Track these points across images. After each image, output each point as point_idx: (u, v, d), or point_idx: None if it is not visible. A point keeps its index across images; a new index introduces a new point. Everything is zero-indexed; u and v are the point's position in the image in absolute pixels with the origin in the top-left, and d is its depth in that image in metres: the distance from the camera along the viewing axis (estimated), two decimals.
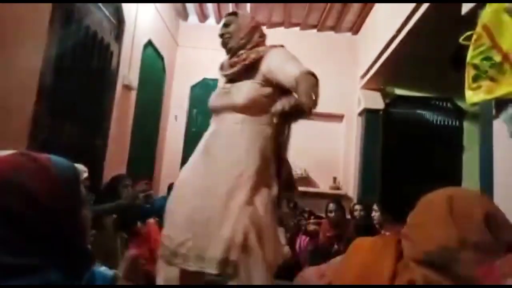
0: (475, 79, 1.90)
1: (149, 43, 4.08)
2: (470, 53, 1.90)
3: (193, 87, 5.11)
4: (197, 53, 5.05)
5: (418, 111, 5.14)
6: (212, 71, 5.06)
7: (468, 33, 1.90)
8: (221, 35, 1.71)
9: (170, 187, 4.13)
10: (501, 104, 1.89)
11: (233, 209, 1.38)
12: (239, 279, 1.30)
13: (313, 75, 1.53)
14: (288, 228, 3.74)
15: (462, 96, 1.95)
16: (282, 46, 1.67)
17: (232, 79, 1.64)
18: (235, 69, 1.60)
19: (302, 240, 3.71)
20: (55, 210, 0.58)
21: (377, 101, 4.73)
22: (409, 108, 5.13)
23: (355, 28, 5.07)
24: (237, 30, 1.65)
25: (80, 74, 2.79)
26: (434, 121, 5.14)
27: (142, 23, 3.81)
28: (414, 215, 0.77)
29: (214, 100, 1.67)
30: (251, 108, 1.55)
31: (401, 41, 3.45)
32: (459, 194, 0.71)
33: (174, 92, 5.06)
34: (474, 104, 1.94)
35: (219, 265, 1.31)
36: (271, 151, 1.58)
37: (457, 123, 5.07)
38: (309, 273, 0.94)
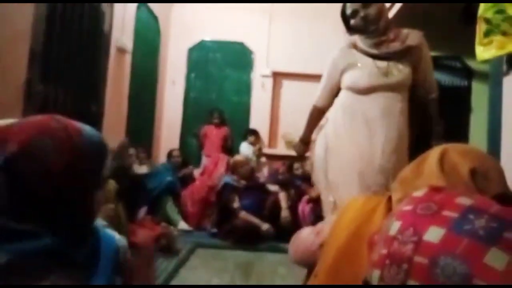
0: (487, 33, 1.83)
1: (143, 4, 3.90)
2: (482, 6, 1.82)
3: (190, 50, 4.96)
4: (194, 12, 4.85)
5: None
6: (210, 32, 4.91)
7: None
8: (364, 16, 1.76)
9: (170, 154, 4.08)
10: None
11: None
12: None
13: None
14: None
15: (471, 54, 1.87)
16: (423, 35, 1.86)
17: (384, 58, 1.76)
18: (392, 49, 1.74)
19: (305, 206, 3.71)
20: (68, 186, 0.57)
21: None
22: None
23: None
24: (380, 12, 1.78)
25: (72, 37, 2.69)
26: (442, 81, 5.01)
27: None
28: (406, 170, 0.77)
29: (368, 79, 1.75)
30: (406, 89, 1.77)
31: None
32: (451, 150, 0.72)
33: (170, 55, 4.90)
34: (485, 61, 1.87)
35: None
36: None
37: (466, 83, 4.96)
38: (306, 232, 0.98)
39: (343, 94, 1.83)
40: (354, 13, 1.78)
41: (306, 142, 2.00)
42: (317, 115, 1.95)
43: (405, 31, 1.79)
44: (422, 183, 0.68)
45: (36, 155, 0.55)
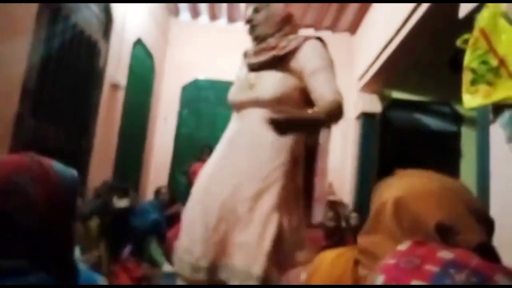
0: (473, 83, 1.87)
1: (139, 42, 3.99)
2: (467, 57, 1.87)
3: (184, 88, 5.02)
4: (189, 52, 4.95)
5: (416, 116, 5.07)
6: (204, 71, 5.00)
7: (465, 36, 1.87)
8: (249, 21, 1.51)
9: (157, 192, 4.02)
10: (498, 108, 1.85)
11: (260, 216, 1.25)
12: None
13: (340, 106, 1.40)
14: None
15: (460, 100, 1.90)
16: (317, 38, 1.46)
17: (256, 68, 1.46)
18: (262, 58, 1.43)
19: None
20: (49, 217, 0.59)
21: (374, 104, 4.64)
22: (406, 112, 5.05)
23: (353, 28, 4.99)
24: (268, 17, 1.49)
25: (66, 73, 2.72)
26: (432, 126, 5.06)
27: (132, 20, 3.72)
28: (364, 237, 0.70)
29: (235, 93, 1.47)
30: (279, 104, 1.33)
31: (399, 43, 3.38)
32: (407, 196, 0.61)
33: (164, 92, 4.96)
34: (472, 108, 1.89)
35: (246, 276, 1.19)
36: (302, 155, 1.41)
37: (455, 128, 5.01)
38: (293, 276, 0.94)
39: None
40: (249, 20, 1.53)
41: None
42: None
43: (291, 37, 1.45)
44: (379, 248, 0.62)
45: (17, 190, 0.57)
